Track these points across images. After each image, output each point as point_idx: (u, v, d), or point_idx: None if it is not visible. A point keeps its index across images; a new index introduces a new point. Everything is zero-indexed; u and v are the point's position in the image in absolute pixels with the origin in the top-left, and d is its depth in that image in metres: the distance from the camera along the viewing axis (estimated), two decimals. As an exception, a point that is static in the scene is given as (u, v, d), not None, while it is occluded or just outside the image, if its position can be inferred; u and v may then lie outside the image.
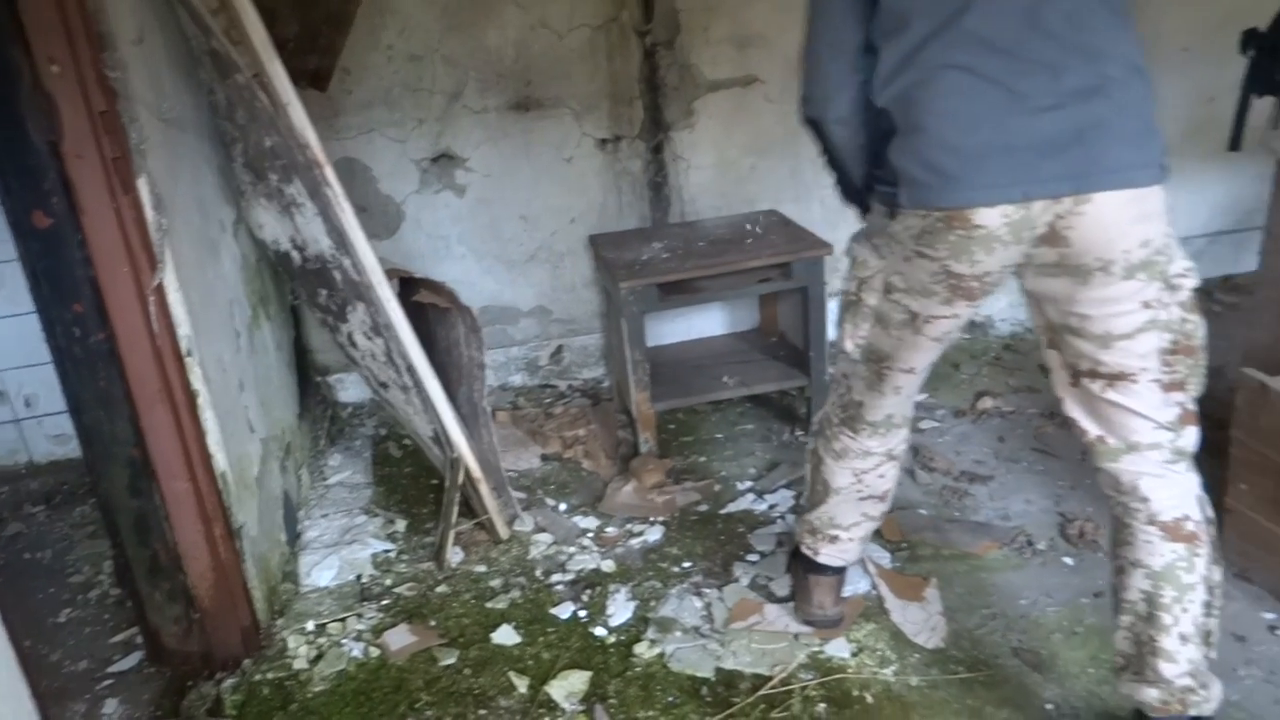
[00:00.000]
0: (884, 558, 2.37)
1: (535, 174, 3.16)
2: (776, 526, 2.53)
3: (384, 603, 2.35)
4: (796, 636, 2.13)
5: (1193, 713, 1.62)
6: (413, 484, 2.86)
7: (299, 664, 2.15)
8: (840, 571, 2.13)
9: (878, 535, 2.42)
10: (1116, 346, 1.53)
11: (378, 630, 2.25)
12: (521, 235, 3.24)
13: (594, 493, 2.77)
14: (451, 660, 2.15)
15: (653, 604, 2.28)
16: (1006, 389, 3.13)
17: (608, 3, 2.99)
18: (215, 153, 2.39)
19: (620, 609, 2.27)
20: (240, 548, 2.15)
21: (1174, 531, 1.59)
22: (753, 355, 3.16)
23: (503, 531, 2.54)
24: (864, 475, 1.96)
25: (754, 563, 2.40)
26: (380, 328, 2.32)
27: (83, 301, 1.86)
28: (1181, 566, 1.59)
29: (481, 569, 2.45)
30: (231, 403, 2.21)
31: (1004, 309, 3.48)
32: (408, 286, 2.58)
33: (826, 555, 2.07)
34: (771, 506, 2.63)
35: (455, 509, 2.47)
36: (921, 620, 2.17)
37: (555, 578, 2.40)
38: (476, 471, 2.46)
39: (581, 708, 2.00)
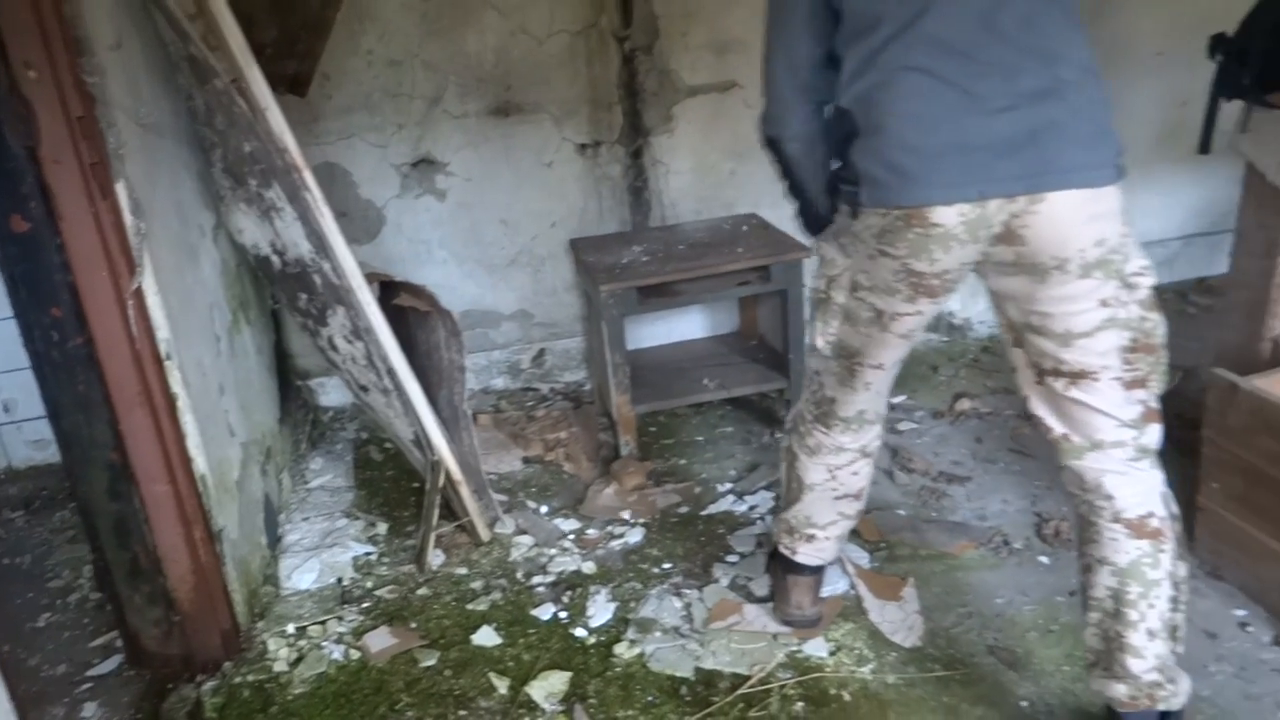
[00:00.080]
0: (862, 558, 2.39)
1: (516, 179, 3.18)
2: (756, 528, 2.55)
3: (365, 605, 2.35)
4: (775, 636, 2.15)
5: (1161, 707, 1.64)
6: (394, 487, 2.87)
7: (279, 666, 2.16)
8: (818, 571, 2.15)
9: (856, 535, 2.44)
10: (1077, 345, 1.55)
11: (358, 632, 2.25)
12: (502, 239, 3.25)
13: (575, 495, 2.79)
14: (432, 662, 2.15)
15: (633, 605, 2.29)
16: (984, 391, 3.16)
17: (587, 8, 3.01)
18: (194, 158, 2.40)
19: (600, 610, 2.28)
20: (220, 551, 2.15)
21: (1139, 529, 1.61)
22: (732, 358, 3.18)
23: (484, 534, 2.55)
24: (838, 471, 1.98)
25: (734, 563, 2.41)
26: (360, 331, 2.33)
27: (61, 306, 1.86)
28: (1147, 563, 1.61)
29: (462, 571, 2.46)
30: (211, 406, 2.22)
31: (982, 312, 3.51)
32: (388, 290, 2.59)
33: (804, 554, 2.09)
34: (751, 508, 2.65)
35: (436, 511, 2.48)
36: (899, 619, 2.19)
37: (536, 579, 2.41)
38: (457, 474, 2.47)
39: (561, 708, 2.01)
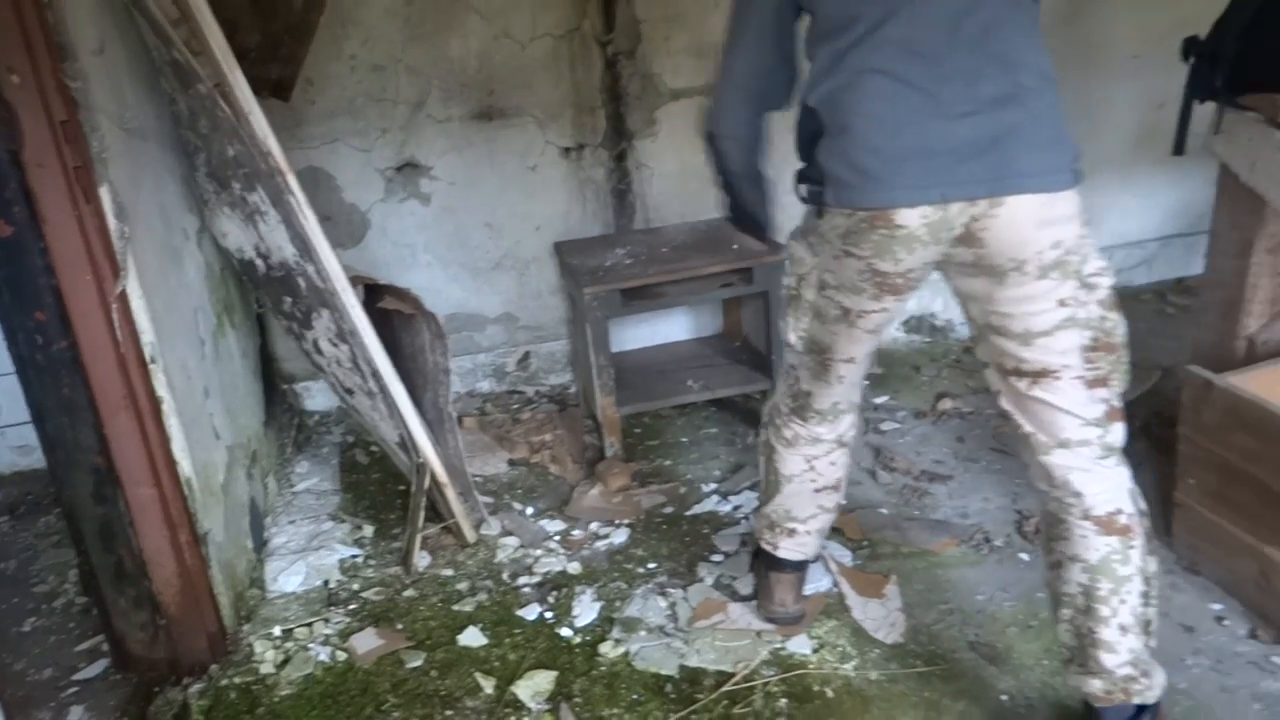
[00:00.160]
0: (845, 556, 2.41)
1: (500, 182, 3.19)
2: (740, 527, 2.56)
3: (351, 607, 2.36)
4: (759, 634, 2.17)
5: (1136, 701, 1.66)
6: (380, 490, 2.87)
7: (266, 669, 2.16)
8: (800, 569, 2.17)
9: (839, 534, 2.46)
10: (1036, 344, 1.58)
11: (345, 634, 2.26)
12: (487, 243, 3.27)
13: (560, 496, 2.80)
14: (418, 662, 2.16)
15: (618, 604, 2.31)
16: (966, 391, 3.18)
17: (569, 13, 3.03)
18: (178, 162, 2.41)
19: (586, 610, 2.30)
20: (206, 554, 2.16)
21: (1108, 525, 1.63)
22: (716, 359, 3.20)
23: (469, 535, 2.56)
24: (815, 462, 2.00)
25: (718, 563, 2.43)
26: (345, 334, 2.34)
27: (45, 310, 1.86)
28: (1116, 559, 1.63)
29: (448, 573, 2.47)
30: (196, 410, 2.22)
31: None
32: (372, 294, 2.60)
33: (786, 550, 2.11)
34: (736, 508, 2.67)
35: (422, 514, 2.49)
36: (881, 616, 2.21)
37: (522, 580, 2.43)
38: (443, 476, 2.48)
39: (547, 707, 2.03)
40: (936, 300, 3.54)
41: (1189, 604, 2.16)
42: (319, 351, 2.53)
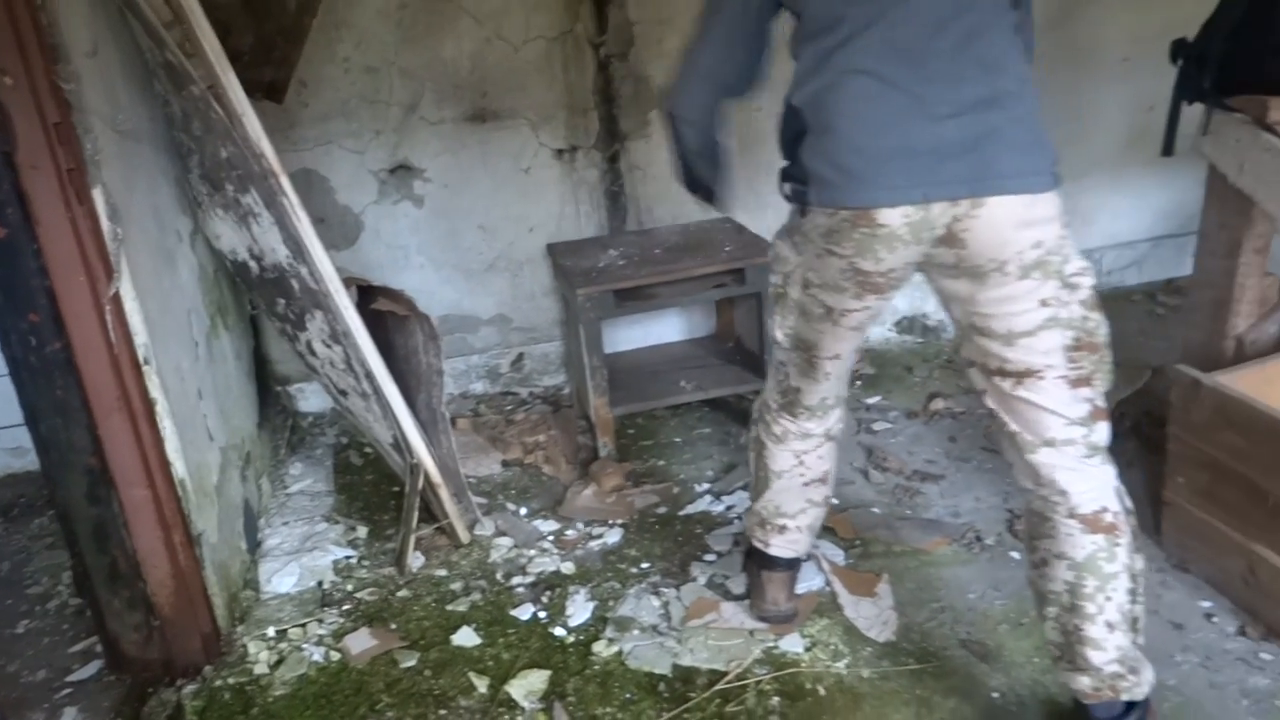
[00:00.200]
0: (837, 555, 2.42)
1: (493, 184, 3.20)
2: (733, 527, 2.57)
3: (345, 608, 2.37)
4: (752, 633, 2.18)
5: (1124, 698, 1.67)
6: (374, 491, 2.88)
7: (260, 669, 2.17)
8: (792, 567, 2.18)
9: (831, 533, 2.48)
10: (1019, 344, 1.59)
11: (339, 635, 2.26)
12: (480, 245, 3.27)
13: (554, 497, 2.81)
14: (412, 662, 2.17)
15: (611, 604, 2.32)
16: (958, 391, 3.20)
17: (562, 15, 3.04)
18: (171, 164, 2.41)
19: (579, 609, 2.30)
20: (200, 555, 2.16)
21: (1093, 523, 1.63)
22: (709, 360, 3.22)
23: (463, 536, 2.57)
24: (805, 456, 2.02)
25: (711, 562, 2.44)
26: (339, 335, 2.34)
27: (39, 311, 1.87)
28: (1102, 557, 1.63)
29: (442, 573, 2.48)
30: (190, 411, 2.23)
31: (955, 313, 3.56)
32: (366, 295, 2.61)
33: (777, 547, 2.12)
34: (729, 508, 2.67)
35: (416, 514, 2.50)
36: (873, 615, 2.22)
37: (515, 580, 2.43)
38: (436, 477, 2.48)
39: (541, 706, 2.03)
40: (929, 301, 3.55)
41: (1178, 601, 2.17)
42: (312, 353, 2.53)
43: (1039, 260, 1.55)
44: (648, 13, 3.09)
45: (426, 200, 3.18)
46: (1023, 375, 1.61)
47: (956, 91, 1.51)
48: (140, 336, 1.98)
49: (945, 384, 3.26)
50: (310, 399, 3.33)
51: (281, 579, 2.45)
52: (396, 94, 3.03)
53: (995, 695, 1.97)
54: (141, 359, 1.99)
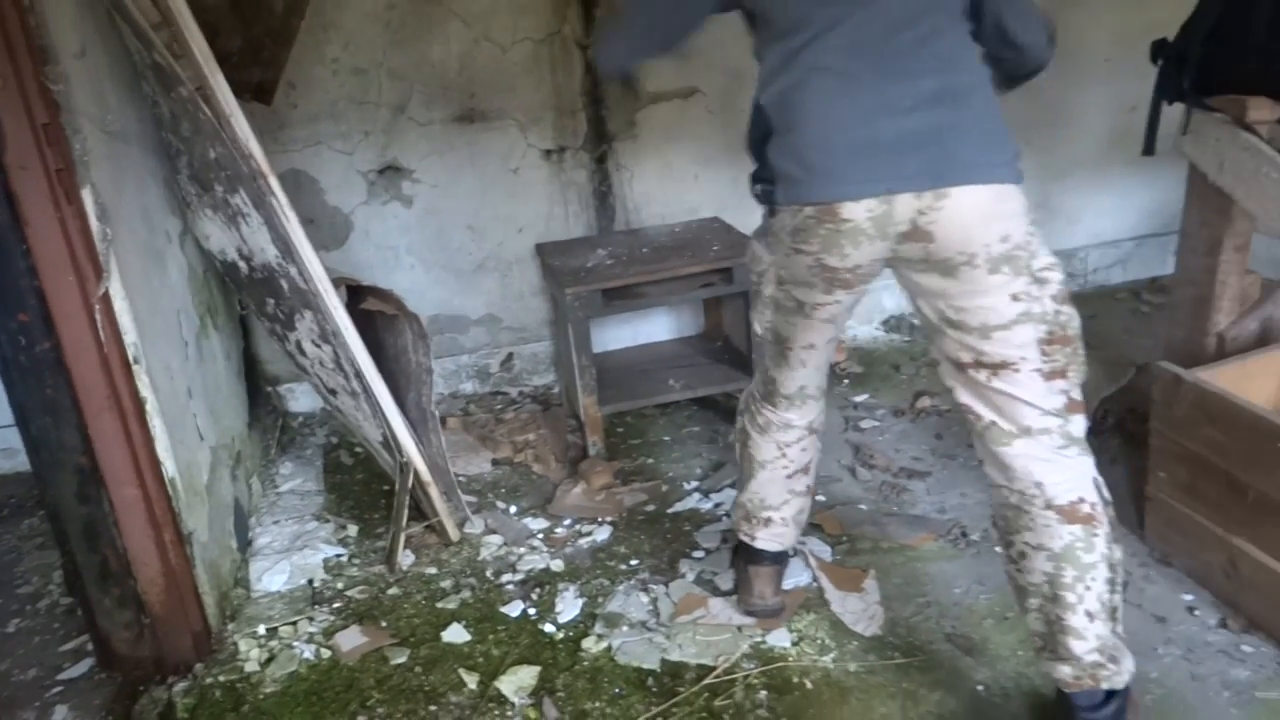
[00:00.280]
0: (824, 551, 2.44)
1: (482, 185, 3.21)
2: (721, 524, 2.59)
3: (335, 606, 2.38)
4: (740, 628, 2.19)
5: (1105, 686, 1.69)
6: (364, 490, 2.89)
7: (250, 667, 2.18)
8: (778, 561, 2.20)
9: (818, 530, 2.50)
10: (995, 337, 1.62)
11: (329, 632, 2.28)
12: (470, 245, 3.29)
13: (544, 495, 2.82)
14: (402, 659, 2.18)
15: (601, 600, 2.33)
16: (944, 389, 3.19)
17: (549, 17, 3.06)
18: (160, 165, 2.42)
19: (569, 606, 2.32)
20: (190, 553, 2.17)
21: (1070, 514, 1.65)
22: (698, 359, 3.24)
23: (453, 534, 2.58)
24: (787, 449, 2.05)
25: (699, 559, 2.46)
26: (328, 334, 2.36)
27: (28, 311, 1.88)
28: (1080, 547, 1.64)
29: (432, 571, 2.49)
30: (180, 410, 2.24)
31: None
32: (355, 295, 2.62)
33: (763, 540, 2.14)
34: (717, 505, 2.69)
35: (406, 512, 2.51)
36: (860, 610, 2.24)
37: (505, 578, 2.45)
38: (426, 475, 2.50)
39: (530, 701, 2.05)
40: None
41: (1161, 595, 2.20)
42: (302, 353, 2.54)
43: (1007, 254, 1.57)
44: (635, 14, 3.10)
45: (416, 201, 3.19)
46: (998, 367, 1.63)
47: (917, 87, 1.56)
48: (130, 336, 1.99)
49: (932, 382, 3.28)
50: (300, 399, 3.34)
51: (272, 577, 2.46)
52: (385, 95, 3.04)
53: (980, 688, 1.99)
54: (131, 358, 2.00)
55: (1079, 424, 1.67)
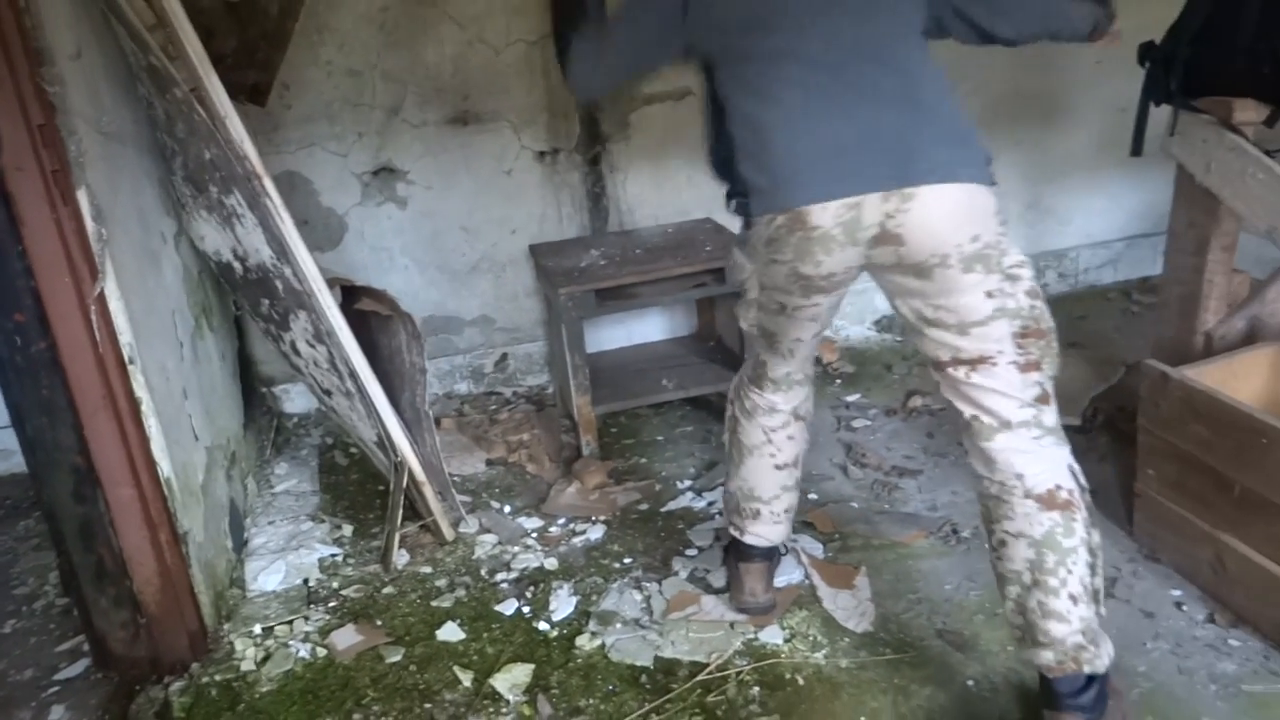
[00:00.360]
0: (816, 549, 2.46)
1: (476, 186, 3.23)
2: (714, 522, 2.61)
3: (331, 605, 2.39)
4: (732, 625, 2.21)
5: (1087, 670, 1.71)
6: (359, 490, 2.90)
7: (246, 666, 2.19)
8: (769, 558, 2.22)
9: (810, 528, 2.52)
10: (973, 333, 1.67)
11: (325, 631, 2.29)
12: (464, 246, 3.30)
13: (538, 495, 2.84)
14: (398, 658, 2.20)
15: (594, 598, 2.35)
16: (935, 388, 3.22)
17: (543, 19, 3.07)
18: (155, 166, 2.43)
19: (563, 604, 2.33)
20: (186, 553, 2.18)
21: (1049, 501, 1.69)
22: (691, 359, 3.26)
23: (448, 533, 2.59)
24: (773, 434, 2.08)
25: (692, 557, 2.48)
26: (323, 335, 2.37)
27: (24, 311, 1.89)
28: (1060, 533, 1.69)
29: (427, 570, 2.50)
30: (175, 410, 2.25)
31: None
32: (349, 295, 2.63)
33: (753, 535, 2.16)
34: (710, 504, 2.71)
35: (400, 512, 2.53)
36: (852, 606, 2.26)
37: (499, 576, 2.46)
38: (420, 475, 2.51)
39: (525, 698, 2.06)
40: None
41: (1149, 590, 2.22)
42: (297, 353, 2.56)
43: (979, 253, 1.62)
44: (628, 16, 3.12)
45: (410, 202, 3.20)
46: (976, 362, 1.68)
47: (877, 92, 1.62)
48: (125, 336, 2.00)
49: (923, 381, 3.30)
50: (295, 400, 3.35)
51: (267, 577, 2.47)
52: (379, 97, 3.06)
53: (970, 683, 2.01)
54: (126, 358, 2.01)
55: (1051, 415, 1.73)
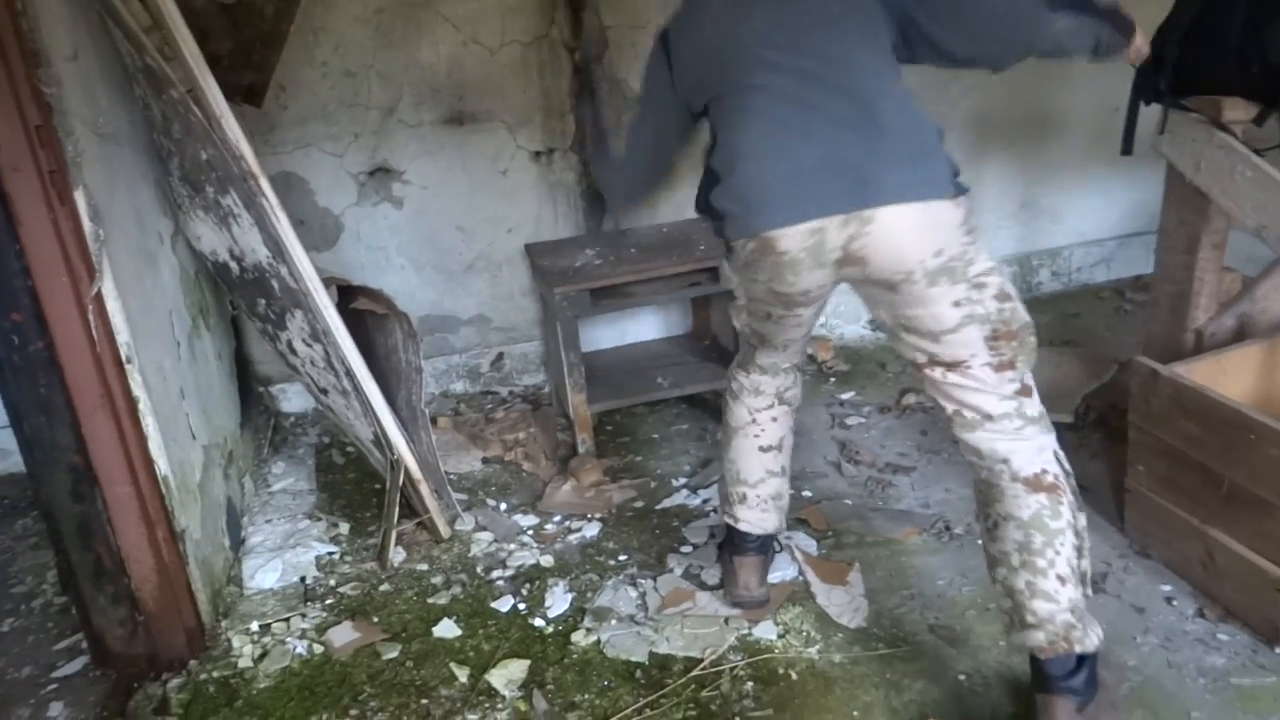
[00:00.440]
0: (810, 546, 2.47)
1: (472, 186, 3.24)
2: (709, 519, 2.62)
3: (328, 602, 2.40)
4: (726, 620, 2.23)
5: (1078, 649, 1.73)
6: (356, 490, 2.91)
7: (244, 662, 2.20)
8: (762, 551, 2.24)
9: (805, 525, 2.54)
10: (944, 340, 1.72)
11: (321, 628, 2.30)
12: (460, 246, 3.31)
13: (534, 492, 2.85)
14: (394, 654, 2.21)
15: (590, 595, 2.36)
16: (929, 385, 3.25)
17: (537, 20, 3.09)
18: (151, 166, 2.44)
19: (558, 601, 2.35)
20: (184, 551, 2.19)
21: (1035, 485, 1.74)
22: (686, 357, 3.27)
23: (444, 531, 2.61)
24: (758, 414, 2.15)
25: (687, 554, 2.49)
26: (319, 334, 2.38)
27: (21, 311, 1.90)
28: (1047, 514, 1.73)
29: (423, 567, 2.52)
30: (172, 409, 2.26)
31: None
32: (345, 294, 2.64)
33: (745, 521, 2.19)
34: (705, 501, 2.73)
35: (396, 510, 2.54)
36: (845, 602, 2.27)
37: (496, 573, 2.48)
38: (416, 472, 2.52)
39: (520, 694, 2.08)
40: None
41: (1139, 586, 2.24)
42: (293, 352, 2.57)
43: (943, 266, 1.66)
44: (622, 17, 3.13)
45: (406, 202, 3.22)
46: (952, 365, 1.74)
47: (837, 117, 1.67)
48: (122, 335, 2.02)
49: (917, 379, 3.30)
50: (292, 399, 3.36)
51: (265, 575, 2.49)
52: (375, 97, 3.07)
53: (962, 677, 2.03)
54: (124, 357, 2.02)
55: (1033, 405, 1.77)
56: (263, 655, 2.23)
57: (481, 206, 3.27)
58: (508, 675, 2.12)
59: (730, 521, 2.22)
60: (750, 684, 2.05)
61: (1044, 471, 1.74)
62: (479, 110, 3.16)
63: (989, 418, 1.75)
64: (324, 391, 2.64)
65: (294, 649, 2.24)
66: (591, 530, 2.63)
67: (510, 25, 3.08)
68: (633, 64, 3.19)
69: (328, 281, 2.45)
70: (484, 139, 3.19)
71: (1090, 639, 1.74)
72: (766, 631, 2.19)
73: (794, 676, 2.06)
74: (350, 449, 3.10)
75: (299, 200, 3.09)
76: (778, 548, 2.39)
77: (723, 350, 3.24)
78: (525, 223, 3.32)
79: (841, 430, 3.04)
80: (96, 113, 2.11)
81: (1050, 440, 1.78)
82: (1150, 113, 2.33)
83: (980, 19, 1.76)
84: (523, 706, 2.04)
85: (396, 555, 2.55)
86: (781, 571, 2.36)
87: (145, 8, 2.15)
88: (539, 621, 2.29)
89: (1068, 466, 1.79)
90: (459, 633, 2.27)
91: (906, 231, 1.65)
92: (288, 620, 2.33)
